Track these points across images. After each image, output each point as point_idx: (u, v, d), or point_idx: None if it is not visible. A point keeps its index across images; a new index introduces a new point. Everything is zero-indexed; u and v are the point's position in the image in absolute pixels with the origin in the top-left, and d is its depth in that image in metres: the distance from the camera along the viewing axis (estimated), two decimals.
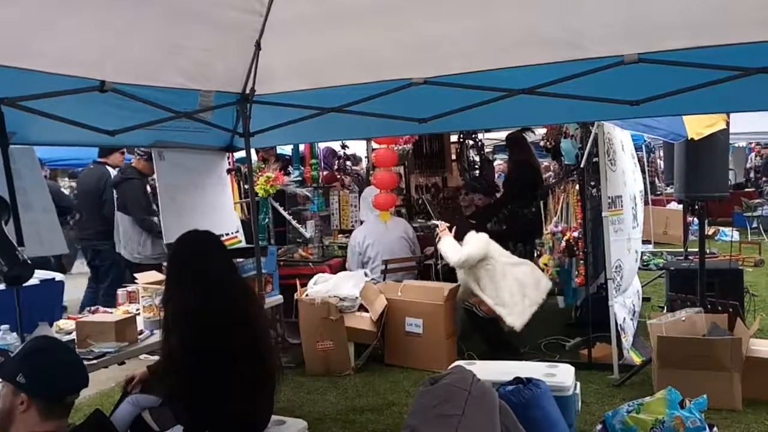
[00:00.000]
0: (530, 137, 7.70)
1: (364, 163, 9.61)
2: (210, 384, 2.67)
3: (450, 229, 5.71)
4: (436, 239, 5.79)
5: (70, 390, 2.16)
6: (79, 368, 2.25)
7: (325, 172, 7.56)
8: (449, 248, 5.56)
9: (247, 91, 3.83)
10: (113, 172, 6.39)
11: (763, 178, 15.52)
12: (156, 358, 3.55)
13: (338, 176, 7.80)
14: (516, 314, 5.31)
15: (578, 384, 3.85)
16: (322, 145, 7.62)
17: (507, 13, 3.03)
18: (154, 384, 3.15)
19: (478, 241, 5.51)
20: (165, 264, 3.14)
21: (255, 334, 2.88)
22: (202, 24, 3.16)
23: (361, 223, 6.69)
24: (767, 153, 16.25)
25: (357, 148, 9.79)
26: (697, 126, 4.48)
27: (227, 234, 5.66)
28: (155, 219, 5.93)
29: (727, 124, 4.63)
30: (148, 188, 6.20)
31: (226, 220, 4.84)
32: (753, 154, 16.81)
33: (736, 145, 15.08)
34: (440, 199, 8.44)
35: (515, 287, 5.40)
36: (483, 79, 3.28)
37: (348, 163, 8.43)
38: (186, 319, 2.73)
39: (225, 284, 2.91)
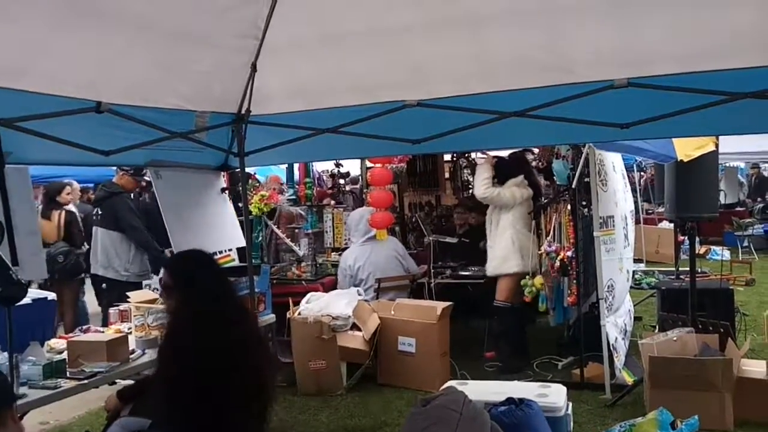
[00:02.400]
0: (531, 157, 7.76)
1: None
2: (209, 405, 2.66)
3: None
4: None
5: None
6: None
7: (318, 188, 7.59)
8: (479, 180, 5.81)
9: (243, 112, 3.87)
10: None
11: (758, 198, 15.61)
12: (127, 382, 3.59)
13: (331, 192, 7.81)
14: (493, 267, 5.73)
15: (570, 404, 3.85)
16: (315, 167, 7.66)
17: (499, 37, 3.10)
18: (142, 406, 3.14)
19: (515, 192, 5.74)
20: (158, 285, 3.12)
21: (253, 352, 2.89)
22: (199, 46, 3.21)
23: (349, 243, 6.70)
24: (756, 173, 16.37)
25: (351, 166, 9.82)
26: (687, 148, 4.53)
27: (220, 252, 5.68)
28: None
29: (716, 145, 4.69)
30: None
31: (231, 234, 4.87)
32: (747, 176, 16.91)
33: (727, 164, 15.18)
34: (434, 217, 8.47)
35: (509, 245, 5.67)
36: (475, 102, 3.33)
37: (342, 181, 8.47)
38: (190, 337, 2.72)
39: (227, 303, 2.94)
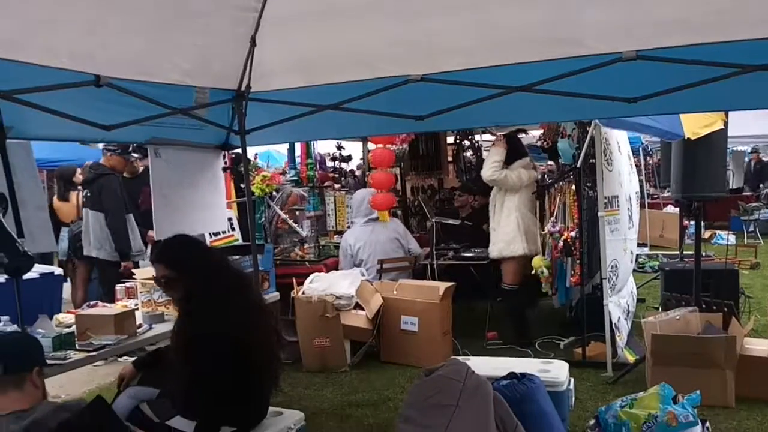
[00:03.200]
0: (524, 138, 7.71)
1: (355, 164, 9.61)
2: (226, 373, 2.73)
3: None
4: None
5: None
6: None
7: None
8: (489, 162, 5.80)
9: (243, 88, 3.83)
10: None
11: (759, 185, 15.53)
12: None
13: (333, 175, 7.80)
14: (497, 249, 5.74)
15: (572, 380, 3.86)
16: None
17: (504, 9, 3.03)
18: (151, 376, 3.20)
19: (522, 174, 5.71)
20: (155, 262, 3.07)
21: (265, 321, 3.01)
22: (198, 20, 3.16)
23: (352, 224, 6.70)
24: (756, 158, 16.26)
25: (353, 149, 9.80)
26: (695, 125, 4.48)
27: (223, 233, 5.68)
28: (128, 217, 5.93)
29: (725, 124, 4.63)
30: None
31: (217, 218, 4.83)
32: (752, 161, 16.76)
33: (736, 149, 15.09)
34: (436, 200, 8.45)
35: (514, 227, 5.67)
36: (480, 76, 3.27)
37: (344, 165, 8.45)
38: (210, 310, 2.78)
39: (240, 277, 3.07)
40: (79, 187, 6.67)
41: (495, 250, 5.80)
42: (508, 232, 5.71)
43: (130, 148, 6.20)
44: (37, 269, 4.08)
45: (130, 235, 5.95)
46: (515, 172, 5.73)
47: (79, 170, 6.82)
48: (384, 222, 6.33)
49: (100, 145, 6.32)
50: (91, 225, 5.94)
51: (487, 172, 5.74)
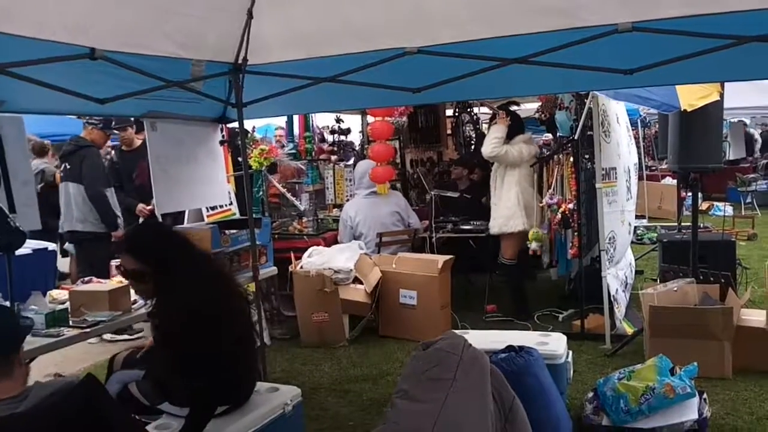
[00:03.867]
0: (521, 110, 7.68)
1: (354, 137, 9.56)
2: (207, 353, 2.69)
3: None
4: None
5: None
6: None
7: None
8: (489, 138, 5.78)
9: (240, 61, 3.80)
10: None
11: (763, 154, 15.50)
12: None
13: (331, 149, 7.76)
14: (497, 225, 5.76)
15: (570, 352, 3.89)
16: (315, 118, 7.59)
17: None
18: (135, 360, 3.19)
19: (522, 149, 5.70)
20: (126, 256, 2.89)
21: (240, 302, 2.97)
22: None
23: (353, 196, 6.69)
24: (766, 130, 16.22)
25: (352, 123, 9.74)
26: (691, 97, 4.46)
27: (220, 206, 5.65)
28: (108, 192, 5.85)
29: (721, 95, 4.61)
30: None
31: (217, 192, 4.81)
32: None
33: (733, 120, 15.02)
34: (435, 173, 8.44)
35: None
36: (476, 49, 3.24)
37: (343, 137, 8.41)
38: (185, 298, 2.70)
39: (206, 261, 3.00)
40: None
41: (495, 225, 5.81)
42: (509, 206, 5.70)
43: (113, 124, 6.12)
44: (30, 244, 4.04)
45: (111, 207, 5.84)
46: (516, 147, 5.71)
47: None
48: (385, 195, 6.32)
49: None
50: (72, 197, 5.79)
51: (488, 149, 5.72)
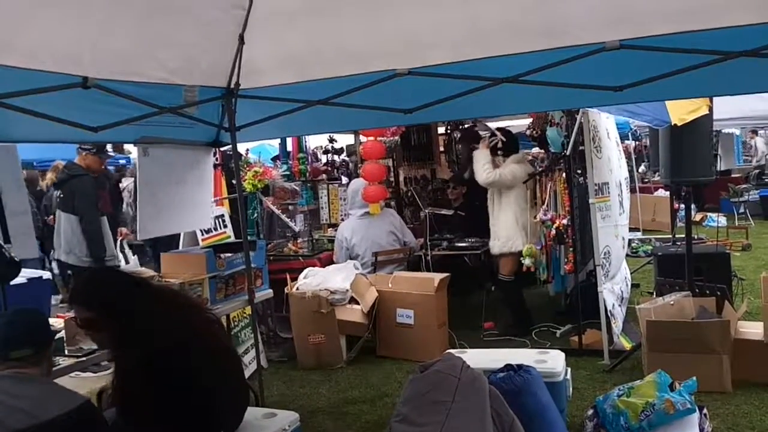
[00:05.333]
0: (513, 127, 7.69)
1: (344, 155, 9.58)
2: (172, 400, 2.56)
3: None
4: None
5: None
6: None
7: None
8: (479, 166, 5.77)
9: (232, 86, 3.82)
10: None
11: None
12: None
13: (325, 169, 7.77)
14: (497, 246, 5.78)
15: (569, 369, 3.87)
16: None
17: (488, 2, 3.04)
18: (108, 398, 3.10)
19: (515, 170, 5.71)
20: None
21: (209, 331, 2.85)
22: (184, 18, 3.14)
23: (347, 216, 6.69)
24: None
25: (345, 142, 9.79)
26: (680, 111, 4.50)
27: (214, 229, 5.65)
28: (102, 219, 5.82)
29: (710, 109, 4.65)
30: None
31: (201, 215, 4.78)
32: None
33: (723, 131, 15.11)
34: (429, 191, 8.45)
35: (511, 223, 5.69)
36: (466, 69, 3.27)
37: (337, 157, 8.43)
38: (143, 341, 2.57)
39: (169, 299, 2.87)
40: (51, 188, 6.49)
41: (495, 246, 5.84)
42: (507, 227, 5.74)
43: (105, 149, 6.08)
44: (25, 273, 4.02)
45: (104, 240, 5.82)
46: (508, 169, 5.72)
47: (49, 173, 6.65)
48: (379, 214, 6.32)
49: None
50: (62, 227, 5.79)
51: (482, 177, 5.74)
